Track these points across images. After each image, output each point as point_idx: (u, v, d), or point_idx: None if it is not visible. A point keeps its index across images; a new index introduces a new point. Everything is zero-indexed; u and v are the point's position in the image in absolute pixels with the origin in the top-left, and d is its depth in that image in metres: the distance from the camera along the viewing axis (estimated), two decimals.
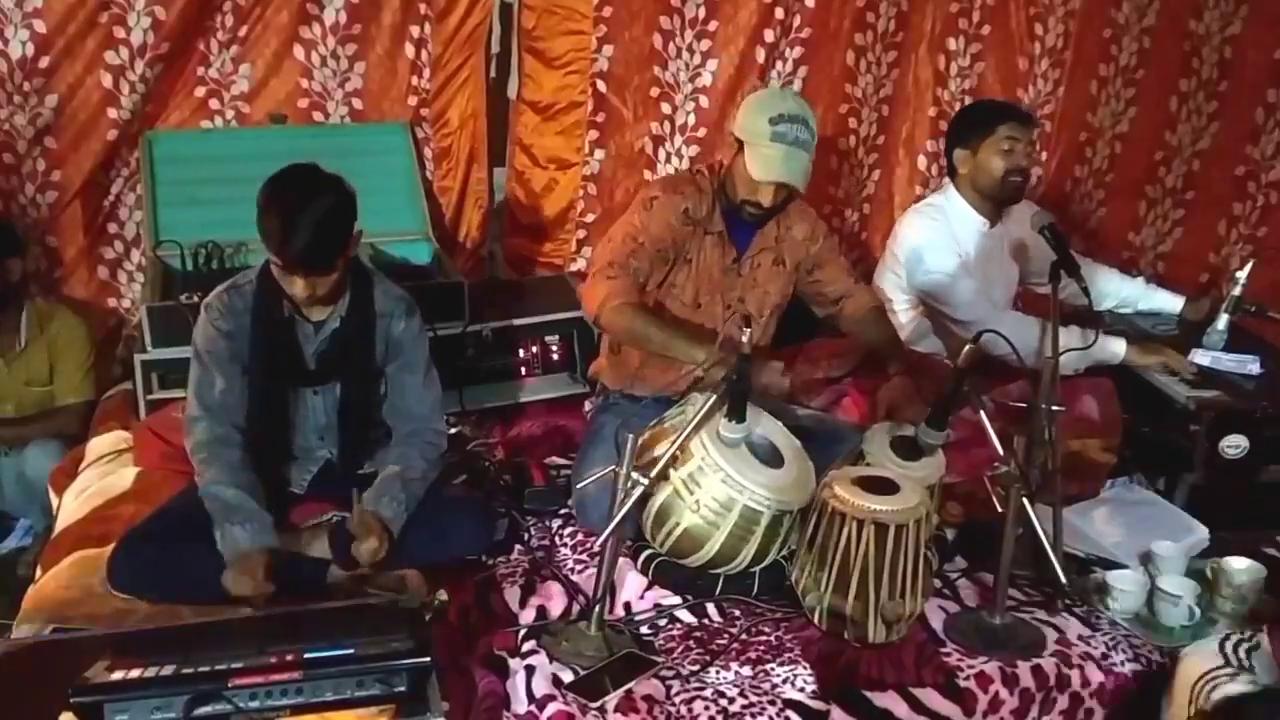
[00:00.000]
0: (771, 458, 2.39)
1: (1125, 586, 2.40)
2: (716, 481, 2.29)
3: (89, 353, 3.22)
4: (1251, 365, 3.02)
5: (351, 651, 1.80)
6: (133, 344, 3.10)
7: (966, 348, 2.28)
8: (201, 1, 3.23)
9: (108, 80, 3.22)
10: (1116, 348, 3.00)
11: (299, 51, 3.39)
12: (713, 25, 3.61)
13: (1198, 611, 2.37)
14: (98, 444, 2.92)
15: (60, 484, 2.86)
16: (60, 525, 2.63)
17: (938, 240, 3.08)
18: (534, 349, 3.31)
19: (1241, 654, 2.11)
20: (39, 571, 2.45)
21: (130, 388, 3.02)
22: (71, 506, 2.67)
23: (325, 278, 2.29)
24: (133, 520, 2.43)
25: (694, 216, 2.66)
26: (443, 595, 2.29)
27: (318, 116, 3.47)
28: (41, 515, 3.05)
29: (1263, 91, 3.86)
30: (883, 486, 2.24)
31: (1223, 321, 3.14)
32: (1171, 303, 3.42)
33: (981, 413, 2.26)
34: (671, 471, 2.31)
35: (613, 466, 2.21)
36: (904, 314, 3.20)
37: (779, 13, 3.61)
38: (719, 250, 2.71)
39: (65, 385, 3.19)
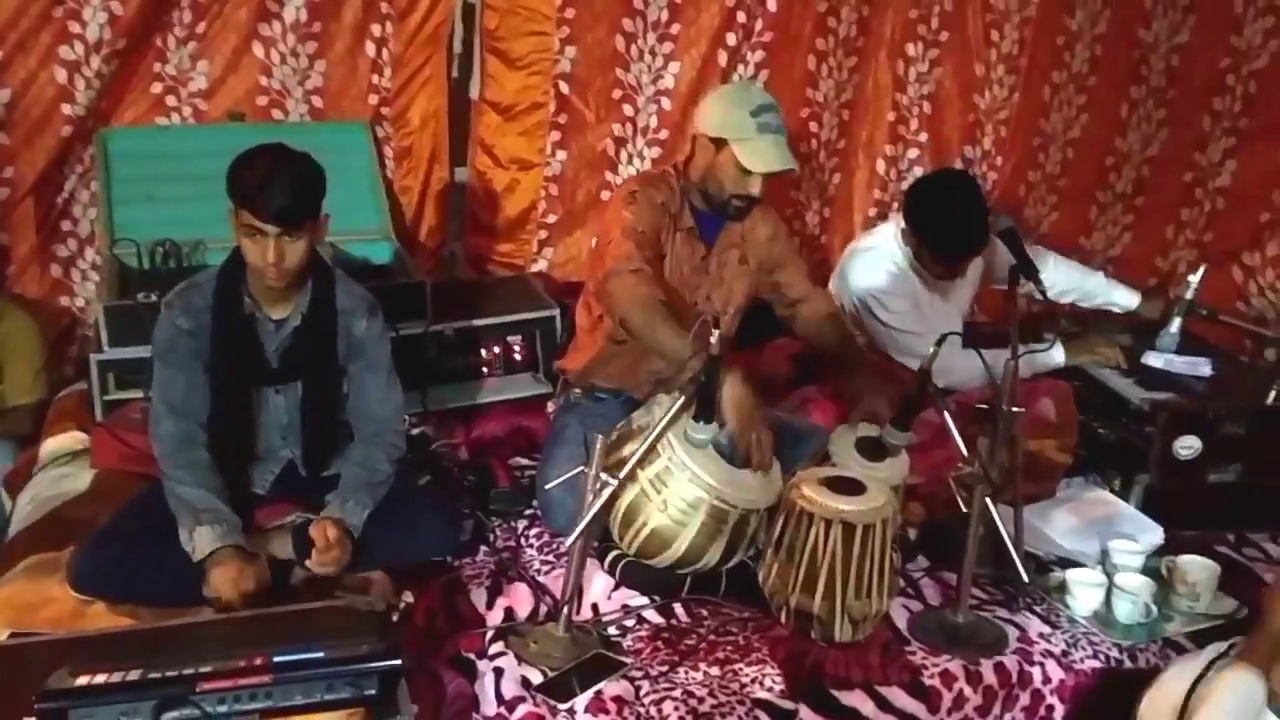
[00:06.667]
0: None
1: (1084, 585, 2.45)
2: (684, 481, 2.30)
3: (41, 353, 3.15)
4: (1203, 367, 3.09)
5: (321, 654, 1.77)
6: (87, 344, 3.04)
7: (930, 349, 2.31)
8: None
9: (62, 75, 3.16)
10: (1057, 356, 3.09)
11: (258, 49, 3.35)
12: (675, 28, 3.63)
13: (1154, 609, 2.42)
14: (52, 445, 2.85)
15: (14, 486, 2.80)
16: (15, 528, 2.58)
17: (887, 276, 3.12)
18: (496, 349, 3.29)
19: None
20: None
21: (84, 388, 2.96)
22: (26, 509, 2.62)
23: (295, 242, 2.25)
24: (91, 522, 2.38)
25: (670, 210, 2.67)
26: (408, 597, 2.29)
27: (277, 114, 3.43)
28: None
29: (1209, 99, 3.91)
30: (849, 487, 2.27)
31: (1175, 325, 3.22)
32: (1128, 298, 3.48)
33: (945, 414, 2.28)
34: (639, 471, 2.31)
35: (580, 468, 2.21)
36: None
37: (741, 16, 3.64)
38: (689, 247, 2.71)
39: (16, 386, 3.12)
